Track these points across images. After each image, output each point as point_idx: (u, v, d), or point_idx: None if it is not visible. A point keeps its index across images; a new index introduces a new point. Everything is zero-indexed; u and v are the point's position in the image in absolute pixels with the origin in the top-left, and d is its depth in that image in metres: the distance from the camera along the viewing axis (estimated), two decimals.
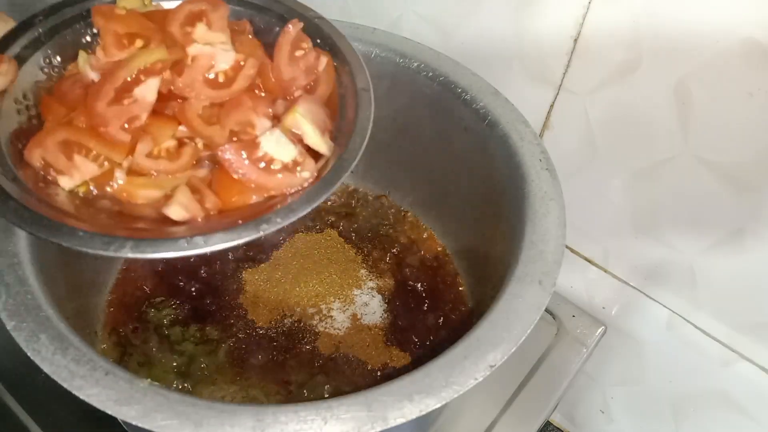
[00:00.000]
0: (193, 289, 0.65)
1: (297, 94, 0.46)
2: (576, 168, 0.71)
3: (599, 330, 0.77)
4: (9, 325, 0.41)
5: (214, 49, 0.44)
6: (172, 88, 0.44)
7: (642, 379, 0.82)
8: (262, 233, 0.39)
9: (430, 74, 0.62)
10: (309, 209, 0.40)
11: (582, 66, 0.64)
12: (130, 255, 0.37)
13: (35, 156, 0.41)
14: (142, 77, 0.42)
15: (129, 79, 0.42)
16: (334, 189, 0.42)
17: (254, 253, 0.69)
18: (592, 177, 0.71)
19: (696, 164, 0.62)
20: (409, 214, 0.75)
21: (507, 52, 0.69)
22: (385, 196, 0.76)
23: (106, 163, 0.42)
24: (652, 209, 0.68)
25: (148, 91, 0.42)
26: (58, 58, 0.46)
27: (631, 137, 0.65)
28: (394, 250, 0.71)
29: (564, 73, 0.66)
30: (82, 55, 0.45)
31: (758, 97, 0.55)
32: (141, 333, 0.61)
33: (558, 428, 0.98)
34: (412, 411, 0.39)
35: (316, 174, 0.43)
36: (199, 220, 0.41)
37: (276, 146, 0.43)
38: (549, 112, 0.70)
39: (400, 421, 0.39)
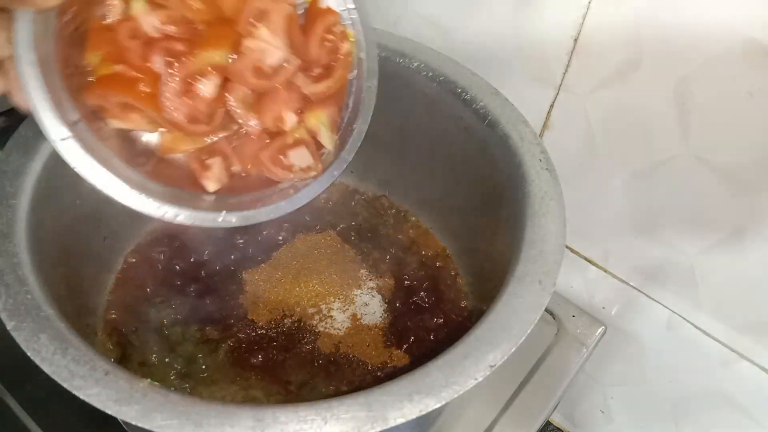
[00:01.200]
0: (193, 289, 0.65)
1: (316, 72, 0.48)
2: (576, 168, 0.71)
3: (599, 330, 0.77)
4: (9, 325, 0.41)
5: (268, 47, 0.45)
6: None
7: (642, 379, 0.82)
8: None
9: (430, 74, 0.62)
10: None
11: (582, 66, 0.64)
12: (173, 219, 0.42)
13: (93, 100, 0.42)
14: (203, 75, 0.44)
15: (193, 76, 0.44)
16: (330, 183, 0.48)
17: (254, 253, 0.69)
18: (592, 177, 0.71)
19: (696, 164, 0.62)
20: (409, 214, 0.75)
21: (507, 52, 0.69)
22: (385, 196, 0.76)
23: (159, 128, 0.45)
24: (652, 209, 0.68)
25: (208, 87, 0.44)
26: None
27: (631, 137, 0.65)
28: (394, 250, 0.71)
29: (564, 73, 0.66)
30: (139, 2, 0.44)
31: (758, 97, 0.55)
32: (141, 333, 0.61)
33: (558, 428, 0.98)
34: (412, 411, 0.39)
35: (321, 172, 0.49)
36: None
37: (300, 159, 0.48)
38: (549, 112, 0.70)
39: (400, 421, 0.39)
